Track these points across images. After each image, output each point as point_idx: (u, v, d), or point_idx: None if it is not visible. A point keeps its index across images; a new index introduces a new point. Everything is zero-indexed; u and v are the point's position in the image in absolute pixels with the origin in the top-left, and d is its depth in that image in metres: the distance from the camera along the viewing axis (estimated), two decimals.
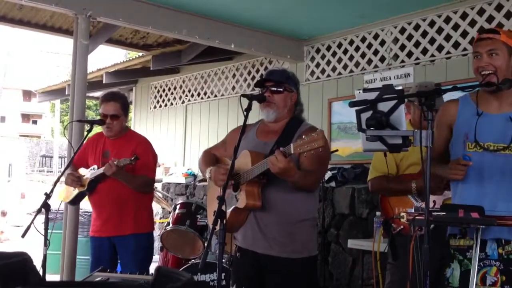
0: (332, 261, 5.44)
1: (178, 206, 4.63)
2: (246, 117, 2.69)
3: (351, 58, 5.89)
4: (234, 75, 7.41)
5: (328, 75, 6.15)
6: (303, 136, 2.47)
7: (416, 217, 2.19)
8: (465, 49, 4.85)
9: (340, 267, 5.36)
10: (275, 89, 2.86)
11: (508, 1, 4.53)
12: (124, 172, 3.60)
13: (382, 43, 5.57)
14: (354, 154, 5.73)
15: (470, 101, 2.56)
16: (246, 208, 2.77)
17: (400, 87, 2.26)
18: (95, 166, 3.71)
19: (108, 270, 2.44)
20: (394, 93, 2.25)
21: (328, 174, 5.63)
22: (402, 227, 2.93)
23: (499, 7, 4.61)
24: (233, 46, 5.90)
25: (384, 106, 2.27)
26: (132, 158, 3.48)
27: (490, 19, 4.67)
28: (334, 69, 6.09)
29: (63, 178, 3.74)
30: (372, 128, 2.26)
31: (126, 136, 3.87)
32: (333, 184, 5.63)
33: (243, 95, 2.72)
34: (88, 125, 3.77)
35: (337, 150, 5.48)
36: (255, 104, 2.80)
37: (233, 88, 7.41)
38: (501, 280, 2.40)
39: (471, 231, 2.38)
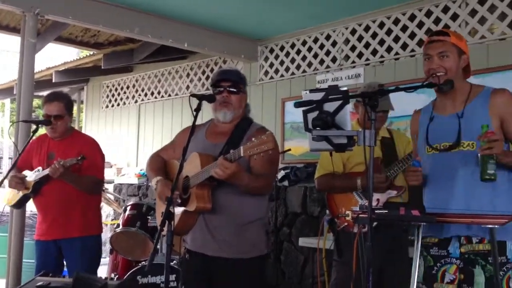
0: (284, 260, 5.48)
1: (128, 207, 4.55)
2: (195, 117, 2.65)
3: (303, 58, 5.95)
4: (188, 75, 7.36)
5: (282, 75, 6.20)
6: (253, 139, 2.45)
7: (360, 215, 2.23)
8: (413, 50, 4.97)
9: (292, 265, 5.40)
10: (233, 89, 2.84)
11: (454, 3, 4.67)
12: (70, 173, 3.51)
13: (334, 44, 5.65)
14: (306, 153, 5.78)
15: (430, 108, 2.65)
16: (196, 211, 2.73)
17: (345, 88, 2.28)
18: (40, 168, 3.61)
19: (51, 275, 2.38)
20: (339, 93, 2.27)
21: (281, 174, 5.68)
22: (346, 224, 2.98)
23: (445, 9, 4.74)
24: (187, 45, 5.87)
25: (330, 107, 2.29)
26: (79, 158, 3.41)
27: (437, 21, 4.80)
28: (287, 69, 6.14)
29: (7, 181, 3.63)
30: (318, 128, 2.27)
31: (72, 137, 3.78)
32: (286, 183, 5.68)
33: (193, 95, 2.68)
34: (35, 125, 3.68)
35: (289, 150, 5.53)
36: (206, 104, 2.78)
37: (187, 87, 7.36)
38: (459, 278, 2.45)
39: (434, 228, 2.47)
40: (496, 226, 2.18)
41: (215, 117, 2.92)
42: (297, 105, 2.24)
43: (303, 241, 4.77)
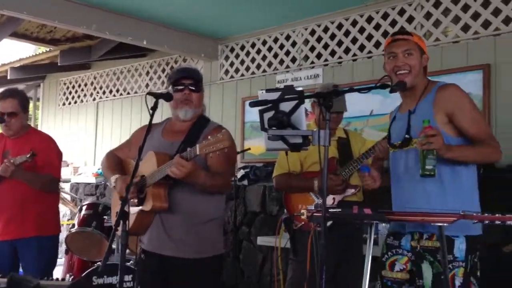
0: (243, 259, 5.49)
1: (84, 207, 4.48)
2: (151, 116, 2.63)
3: (264, 58, 5.97)
4: (147, 73, 7.29)
5: (242, 74, 6.20)
6: (209, 137, 2.45)
7: (314, 214, 2.26)
8: (370, 52, 5.06)
9: (251, 264, 5.42)
10: (194, 88, 2.83)
11: (410, 5, 4.77)
12: (23, 171, 3.43)
13: (294, 44, 5.69)
14: (266, 152, 5.77)
15: (397, 107, 2.71)
16: (153, 211, 2.71)
17: (301, 88, 2.31)
18: None
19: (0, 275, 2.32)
20: (295, 93, 2.29)
21: (241, 173, 5.69)
22: (302, 223, 3.01)
23: (401, 12, 4.84)
24: (146, 43, 5.81)
25: (285, 107, 2.31)
26: (28, 155, 3.33)
27: (393, 23, 4.89)
28: (247, 68, 6.15)
29: None
30: (273, 128, 2.29)
31: (27, 134, 3.70)
32: (245, 182, 5.69)
33: (150, 93, 2.65)
34: None
35: (249, 149, 5.54)
36: (166, 103, 2.76)
37: (147, 85, 7.28)
38: (410, 269, 2.52)
39: (398, 223, 2.54)
40: (445, 224, 2.24)
41: (175, 115, 2.90)
42: (252, 104, 2.25)
43: (261, 240, 4.79)
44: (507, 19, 4.22)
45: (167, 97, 2.78)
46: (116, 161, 2.98)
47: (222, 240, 2.88)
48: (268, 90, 2.37)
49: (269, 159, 5.69)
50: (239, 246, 5.55)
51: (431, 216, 2.29)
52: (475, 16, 4.38)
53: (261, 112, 2.34)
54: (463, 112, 2.43)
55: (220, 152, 2.42)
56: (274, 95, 2.33)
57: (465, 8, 4.44)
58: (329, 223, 3.12)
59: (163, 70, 7.05)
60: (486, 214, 2.20)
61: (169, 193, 2.70)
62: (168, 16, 5.58)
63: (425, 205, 2.36)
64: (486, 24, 4.34)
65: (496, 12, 4.27)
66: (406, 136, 2.49)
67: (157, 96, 2.69)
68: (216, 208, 2.86)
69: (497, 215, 2.16)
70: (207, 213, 2.79)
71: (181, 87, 2.82)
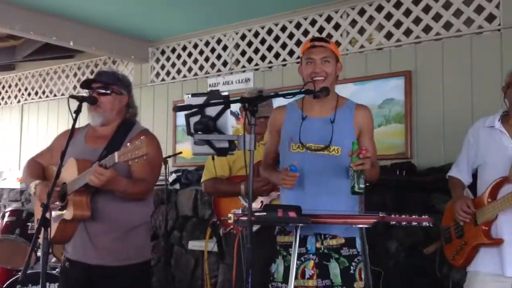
0: (174, 264, 5.45)
1: (7, 214, 4.29)
2: (75, 120, 2.56)
3: (195, 61, 5.96)
4: (75, 74, 7.09)
5: (173, 78, 6.16)
6: (128, 144, 2.39)
7: (240, 218, 2.28)
8: (298, 57, 5.15)
9: (183, 269, 5.38)
10: (102, 91, 2.73)
11: (336, 13, 4.91)
12: None
13: (225, 48, 5.72)
14: (198, 156, 5.77)
15: (296, 107, 2.74)
16: (74, 220, 2.62)
17: (226, 93, 2.33)
18: None
19: None
20: (220, 98, 2.31)
21: (172, 177, 5.64)
22: (231, 227, 3.03)
23: (328, 19, 4.98)
24: (72, 44, 5.65)
25: (211, 111, 2.33)
26: None
27: (321, 29, 5.02)
28: (179, 71, 6.11)
29: None
30: (199, 132, 2.30)
31: None
32: (177, 186, 5.65)
33: (72, 96, 2.58)
34: None
35: (181, 153, 5.51)
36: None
37: (74, 87, 7.08)
38: (316, 273, 2.57)
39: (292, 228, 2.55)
40: (365, 226, 2.33)
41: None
42: (177, 109, 2.24)
43: (192, 245, 4.78)
44: (427, 27, 4.43)
45: (91, 100, 2.72)
46: (36, 168, 2.87)
47: (149, 246, 2.84)
48: (194, 95, 2.37)
49: (201, 163, 5.64)
50: (170, 251, 5.50)
51: (352, 218, 2.39)
52: (398, 24, 4.57)
53: (187, 117, 2.34)
54: (369, 133, 2.63)
55: (138, 160, 2.36)
56: (200, 100, 2.34)
57: (388, 16, 4.63)
58: (257, 226, 3.17)
59: (92, 72, 6.87)
60: (404, 216, 2.32)
61: (92, 200, 2.61)
62: (97, 16, 5.45)
63: (324, 208, 2.45)
64: (407, 32, 4.53)
65: (417, 21, 4.48)
66: (327, 144, 2.56)
67: (80, 99, 2.63)
68: (142, 214, 2.80)
69: (413, 216, 2.27)
70: (132, 220, 2.73)
71: (90, 91, 2.76)
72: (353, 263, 2.50)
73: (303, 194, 2.58)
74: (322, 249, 2.56)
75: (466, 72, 4.20)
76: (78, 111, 2.57)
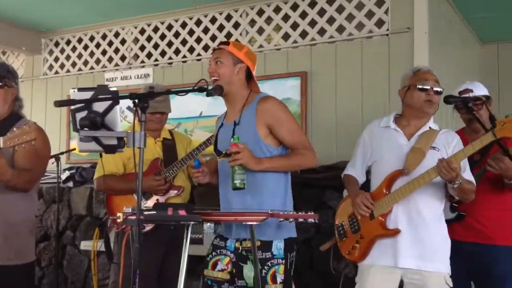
0: (67, 264, 5.24)
1: None
2: None
3: (91, 54, 5.75)
4: None
5: (68, 70, 5.91)
6: (14, 129, 2.31)
7: (129, 217, 2.23)
8: (199, 54, 5.14)
9: (76, 269, 5.19)
10: None
11: (236, 12, 4.95)
12: None
13: (123, 42, 5.56)
14: (94, 153, 5.58)
15: (223, 115, 2.77)
16: None
17: (115, 88, 2.26)
18: None
19: None
20: (109, 93, 2.23)
21: (66, 174, 5.41)
22: (124, 226, 2.95)
23: (228, 18, 5.00)
24: None
25: (99, 107, 2.25)
26: None
27: (221, 28, 5.03)
28: (74, 64, 5.87)
29: None
30: (86, 129, 2.21)
31: None
32: (70, 184, 5.42)
33: None
34: None
35: (75, 149, 5.28)
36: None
37: None
38: (230, 270, 2.61)
39: (227, 230, 2.63)
40: (255, 223, 2.36)
41: None
42: (57, 104, 2.14)
43: (84, 245, 4.62)
44: (321, 30, 4.58)
45: None
46: None
47: (33, 247, 2.71)
48: (80, 89, 2.28)
49: (97, 160, 5.49)
50: (63, 251, 5.27)
51: (243, 215, 2.42)
52: (294, 26, 4.69)
53: (73, 112, 2.24)
54: (281, 124, 2.59)
55: (26, 145, 2.27)
56: (88, 95, 2.25)
57: (285, 18, 4.73)
58: (151, 226, 3.13)
59: None
60: (292, 213, 2.38)
61: None
62: None
63: (250, 207, 2.50)
64: (303, 34, 4.66)
65: (312, 23, 4.62)
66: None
67: None
68: (25, 211, 2.69)
69: (300, 213, 2.34)
70: (15, 216, 2.62)
71: None
72: (266, 267, 2.53)
73: (226, 197, 2.64)
74: (240, 249, 2.60)
75: (357, 74, 4.40)
76: None
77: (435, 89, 2.67)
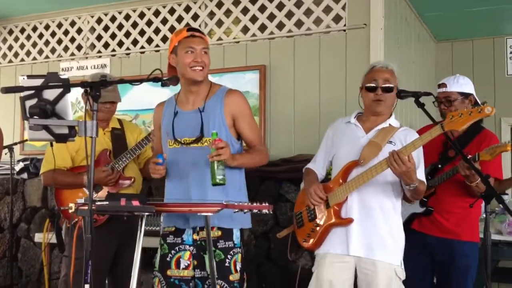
0: (21, 257, 5.12)
1: None
2: None
3: (46, 43, 5.61)
4: None
5: (22, 60, 5.75)
6: None
7: (80, 207, 2.20)
8: (157, 45, 5.08)
9: (30, 262, 5.09)
10: None
11: (195, 3, 4.91)
12: None
13: (79, 31, 5.45)
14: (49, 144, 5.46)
15: (173, 101, 2.75)
16: None
17: (66, 76, 2.22)
18: None
19: None
20: (59, 81, 2.19)
21: (20, 165, 5.27)
22: (77, 219, 2.91)
23: (187, 9, 4.95)
24: None
25: (49, 94, 2.20)
26: None
27: (180, 19, 4.98)
28: (28, 53, 5.72)
29: None
30: (36, 117, 2.17)
31: None
32: (24, 175, 5.29)
33: None
34: None
35: (27, 140, 5.17)
36: None
37: None
38: (193, 264, 2.63)
39: (174, 219, 2.64)
40: (210, 214, 2.37)
41: None
42: (4, 90, 2.09)
43: (39, 237, 4.53)
44: (280, 24, 4.60)
45: None
46: None
47: None
48: (30, 76, 2.24)
49: None
50: (17, 244, 5.15)
51: (198, 206, 2.42)
52: (253, 19, 4.69)
53: (23, 100, 2.19)
54: (244, 117, 2.71)
55: None
56: (38, 82, 2.21)
57: (245, 11, 4.72)
58: (105, 217, 3.09)
59: None
60: (246, 204, 2.41)
61: None
62: None
63: (211, 197, 2.52)
64: (262, 28, 4.67)
65: (271, 17, 4.63)
66: (199, 136, 2.62)
67: None
68: None
69: (254, 204, 2.37)
70: None
71: None
72: (229, 256, 2.56)
73: (187, 187, 2.63)
74: (198, 240, 2.60)
75: (315, 69, 4.43)
76: None
77: (383, 85, 2.69)
